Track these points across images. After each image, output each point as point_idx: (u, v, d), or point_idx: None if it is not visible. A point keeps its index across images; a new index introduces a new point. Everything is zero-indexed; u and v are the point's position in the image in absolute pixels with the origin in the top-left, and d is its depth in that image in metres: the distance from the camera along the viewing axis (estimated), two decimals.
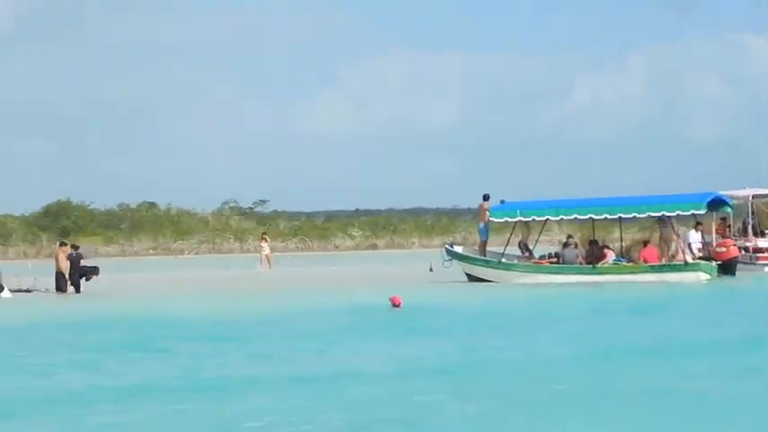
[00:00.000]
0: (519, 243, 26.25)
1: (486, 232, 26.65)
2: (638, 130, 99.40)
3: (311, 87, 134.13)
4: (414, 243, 62.57)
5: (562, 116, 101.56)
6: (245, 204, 68.95)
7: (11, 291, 23.93)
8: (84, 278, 25.11)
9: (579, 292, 21.48)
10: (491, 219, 25.97)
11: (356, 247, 62.31)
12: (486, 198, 26.36)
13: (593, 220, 25.96)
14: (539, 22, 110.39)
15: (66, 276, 24.47)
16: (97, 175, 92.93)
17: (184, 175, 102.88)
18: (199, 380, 9.43)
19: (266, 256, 35.97)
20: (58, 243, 28.38)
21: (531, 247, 26.47)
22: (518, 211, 25.36)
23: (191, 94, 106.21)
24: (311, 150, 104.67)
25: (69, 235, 49.30)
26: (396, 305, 17.94)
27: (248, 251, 55.20)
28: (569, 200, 26.61)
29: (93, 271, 25.77)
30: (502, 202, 26.47)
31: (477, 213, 27.63)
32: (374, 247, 62.53)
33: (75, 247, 26.37)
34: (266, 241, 37.74)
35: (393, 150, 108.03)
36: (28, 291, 24.77)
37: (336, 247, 62.91)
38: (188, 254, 57.41)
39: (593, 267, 24.15)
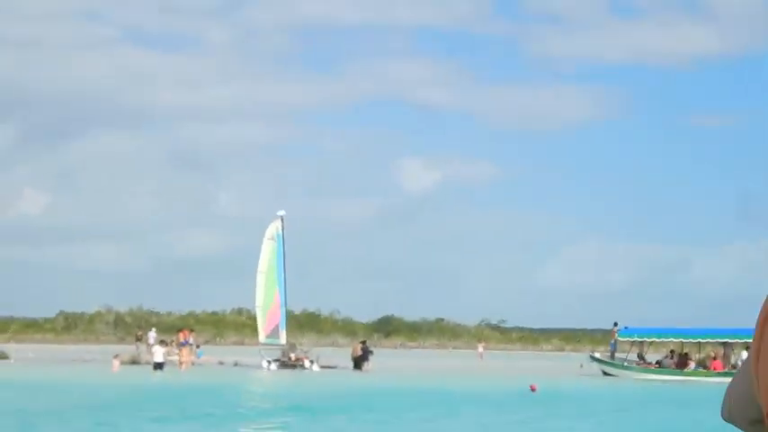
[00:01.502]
0: (637, 353, 41.70)
1: (614, 346, 42.20)
2: None
3: None
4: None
5: None
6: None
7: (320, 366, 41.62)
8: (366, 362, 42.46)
9: (668, 387, 36.42)
10: (619, 338, 41.61)
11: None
12: (615, 324, 42.11)
13: (682, 342, 41.25)
14: None
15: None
16: None
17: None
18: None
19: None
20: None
21: (644, 356, 41.82)
22: (635, 335, 41.00)
23: None
24: None
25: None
26: (532, 390, 29.14)
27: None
28: (666, 328, 42.17)
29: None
30: (625, 327, 42.07)
31: (610, 333, 43.46)
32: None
33: (363, 342, 44.25)
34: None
35: None
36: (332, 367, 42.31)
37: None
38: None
39: (681, 371, 39.00)
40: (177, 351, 41.26)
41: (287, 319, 44.22)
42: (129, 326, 65.99)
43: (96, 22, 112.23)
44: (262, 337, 42.96)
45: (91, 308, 79.27)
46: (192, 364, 41.64)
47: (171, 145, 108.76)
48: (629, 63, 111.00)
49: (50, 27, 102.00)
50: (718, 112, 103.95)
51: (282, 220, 45.04)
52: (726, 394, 1.78)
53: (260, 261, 43.14)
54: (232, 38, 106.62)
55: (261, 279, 42.90)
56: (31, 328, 77.36)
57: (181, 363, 40.24)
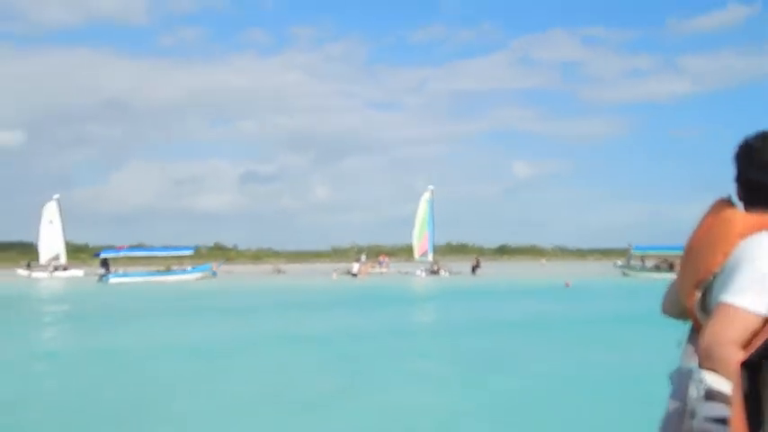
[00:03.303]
0: (641, 260, 65.00)
1: (630, 258, 65.84)
2: None
3: None
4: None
5: None
6: None
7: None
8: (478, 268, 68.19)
9: (662, 281, 59.57)
10: (633, 253, 65.20)
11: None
12: (629, 245, 65.72)
13: (672, 254, 64.18)
14: None
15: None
16: None
17: None
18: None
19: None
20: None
21: (645, 263, 64.88)
22: (642, 250, 64.39)
23: None
24: None
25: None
26: (567, 285, 41.61)
27: None
28: (661, 245, 65.24)
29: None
30: (636, 246, 65.21)
31: (627, 250, 66.89)
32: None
33: (477, 259, 70.38)
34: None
35: None
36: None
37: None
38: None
39: (670, 271, 62.07)
40: (372, 266, 69.67)
41: (434, 247, 71.51)
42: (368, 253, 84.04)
43: None
44: (416, 255, 70.39)
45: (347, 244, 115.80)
46: (381, 273, 68.15)
47: None
48: None
49: None
50: None
51: (432, 191, 71.91)
52: (665, 294, 2.48)
53: (418, 214, 70.51)
54: None
55: (417, 224, 70.16)
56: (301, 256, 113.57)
57: (364, 273, 65.58)
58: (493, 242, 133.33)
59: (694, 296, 2.25)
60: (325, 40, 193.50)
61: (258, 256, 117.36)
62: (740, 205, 2.39)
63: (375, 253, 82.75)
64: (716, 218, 2.33)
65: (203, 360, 15.81)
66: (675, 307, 2.43)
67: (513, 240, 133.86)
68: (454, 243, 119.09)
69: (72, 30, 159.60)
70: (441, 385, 12.91)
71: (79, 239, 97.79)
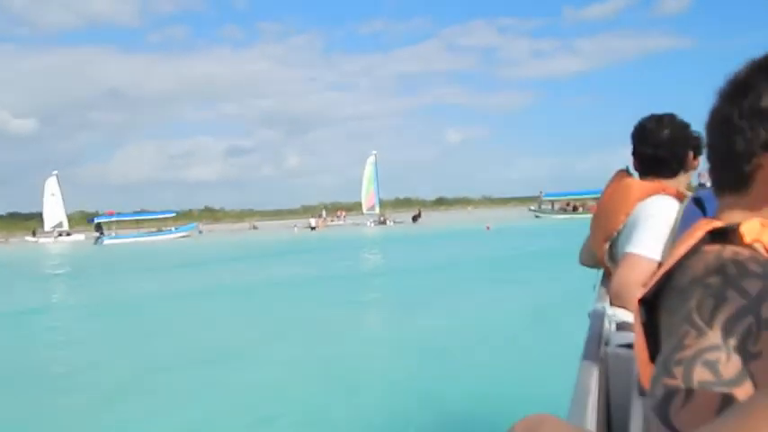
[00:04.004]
0: (551, 205, 64.35)
1: (539, 203, 65.00)
2: None
3: None
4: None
5: None
6: None
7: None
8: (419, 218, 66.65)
9: (567, 221, 59.04)
10: (542, 198, 64.33)
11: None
12: (540, 191, 64.83)
13: (575, 198, 63.46)
14: None
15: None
16: None
17: None
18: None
19: None
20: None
21: (554, 207, 64.22)
22: (551, 196, 63.70)
23: None
24: None
25: None
26: (487, 228, 42.35)
27: None
28: (567, 191, 64.48)
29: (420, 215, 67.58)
30: (546, 193, 64.61)
31: (539, 197, 65.99)
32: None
33: (418, 210, 68.50)
34: None
35: None
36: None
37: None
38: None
39: (574, 212, 61.63)
40: (331, 220, 67.69)
41: (383, 201, 69.20)
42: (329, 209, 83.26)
43: None
44: (364, 209, 68.22)
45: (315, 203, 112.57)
46: (339, 225, 66.25)
47: None
48: None
49: None
50: None
51: (375, 155, 69.41)
52: (581, 248, 2.58)
53: (364, 175, 68.06)
54: None
55: (364, 183, 67.76)
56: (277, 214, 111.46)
57: (321, 226, 64.00)
58: (432, 195, 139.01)
59: (604, 249, 2.38)
60: (289, 34, 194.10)
61: (241, 215, 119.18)
62: (636, 175, 2.49)
63: (337, 209, 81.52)
64: (618, 185, 2.45)
65: (126, 316, 13.57)
66: (591, 258, 2.56)
67: (449, 193, 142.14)
68: (401, 197, 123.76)
69: (75, 31, 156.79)
70: (368, 322, 11.70)
71: (90, 208, 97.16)
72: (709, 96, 1.02)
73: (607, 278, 2.32)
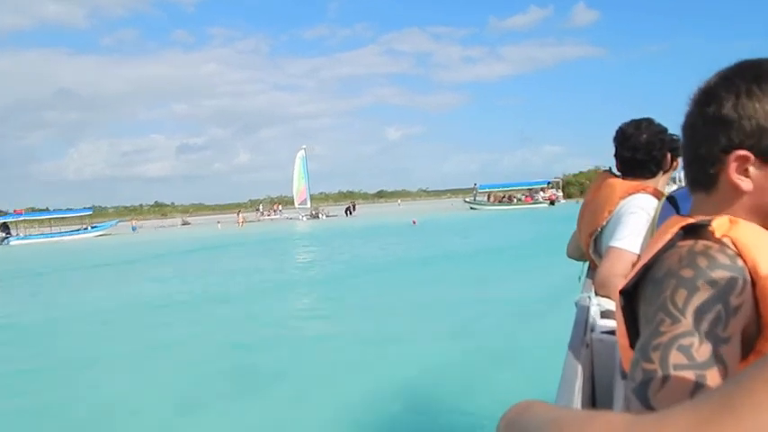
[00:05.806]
0: (487, 197, 63.07)
1: (475, 194, 63.66)
2: None
3: None
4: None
5: None
6: None
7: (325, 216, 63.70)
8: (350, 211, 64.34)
9: (501, 212, 57.76)
10: (477, 191, 63.02)
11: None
12: (475, 184, 63.46)
13: (510, 190, 62.41)
14: None
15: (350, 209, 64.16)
16: None
17: None
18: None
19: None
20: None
21: (491, 199, 62.97)
22: (485, 188, 62.45)
23: None
24: None
25: None
26: (414, 223, 38.14)
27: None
28: (500, 183, 63.45)
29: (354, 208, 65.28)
30: (481, 185, 63.36)
31: (474, 189, 64.67)
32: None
33: (352, 203, 66.13)
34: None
35: None
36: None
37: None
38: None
39: (509, 204, 60.42)
40: (267, 214, 64.93)
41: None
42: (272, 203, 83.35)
43: None
44: (296, 204, 65.31)
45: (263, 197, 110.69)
46: (272, 220, 63.79)
47: None
48: None
49: None
50: None
51: (305, 150, 66.44)
52: (568, 242, 2.74)
53: (294, 170, 64.95)
54: None
55: (295, 177, 64.59)
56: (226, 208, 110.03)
57: (242, 223, 61.00)
58: (373, 189, 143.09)
59: (589, 243, 2.52)
60: (236, 39, 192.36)
61: (188, 210, 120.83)
62: (618, 175, 2.64)
63: (284, 202, 78.63)
64: (602, 184, 2.59)
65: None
66: (577, 251, 2.69)
67: (388, 186, 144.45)
68: (344, 191, 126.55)
69: (25, 33, 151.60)
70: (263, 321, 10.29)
71: (41, 205, 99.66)
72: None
73: (592, 270, 2.49)
